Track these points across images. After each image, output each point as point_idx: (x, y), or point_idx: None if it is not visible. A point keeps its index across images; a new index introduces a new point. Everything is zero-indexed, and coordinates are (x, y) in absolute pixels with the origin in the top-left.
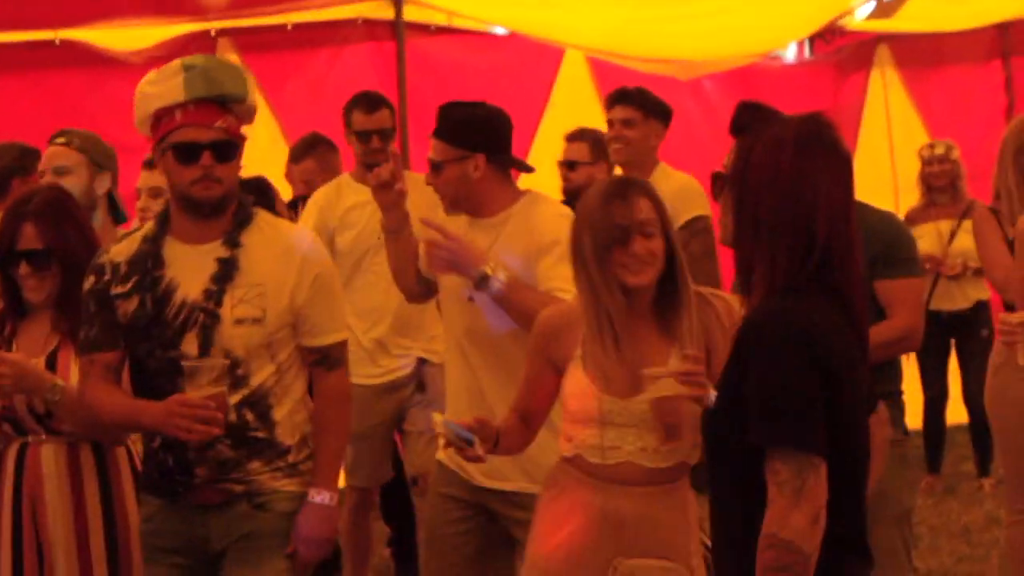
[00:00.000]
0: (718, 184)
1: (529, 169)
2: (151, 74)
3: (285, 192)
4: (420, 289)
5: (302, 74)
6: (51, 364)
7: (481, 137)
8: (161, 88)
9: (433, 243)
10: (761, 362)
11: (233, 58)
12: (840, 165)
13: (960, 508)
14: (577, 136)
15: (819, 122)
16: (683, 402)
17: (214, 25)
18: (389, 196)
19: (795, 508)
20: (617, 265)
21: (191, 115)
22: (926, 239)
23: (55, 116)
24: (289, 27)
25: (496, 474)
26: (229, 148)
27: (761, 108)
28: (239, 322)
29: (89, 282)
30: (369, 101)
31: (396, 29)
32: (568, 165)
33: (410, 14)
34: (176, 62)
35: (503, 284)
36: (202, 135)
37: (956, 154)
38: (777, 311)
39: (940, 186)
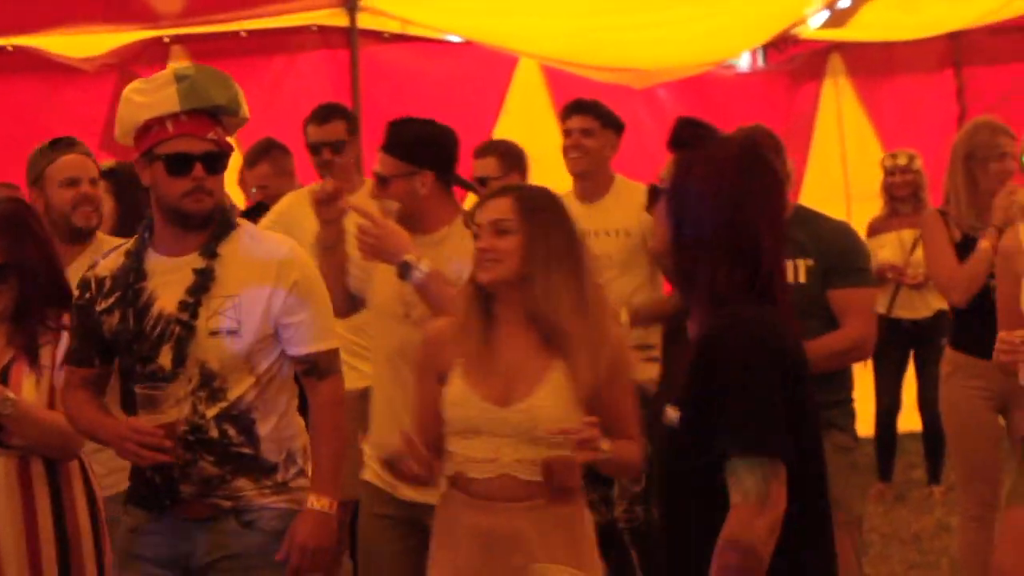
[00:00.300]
0: (654, 197)
1: (474, 189)
2: (138, 83)
3: (238, 199)
4: (346, 306)
5: (256, 81)
6: (3, 378)
7: (431, 154)
8: (152, 98)
9: (361, 228)
10: (726, 372)
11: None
12: (777, 184)
13: (910, 515)
14: (484, 151)
15: (758, 142)
16: (577, 465)
17: (167, 32)
18: (331, 211)
19: (759, 515)
20: (474, 262)
21: (184, 126)
22: (888, 248)
23: (8, 123)
24: (242, 34)
25: (425, 488)
26: (220, 160)
27: (701, 125)
28: (213, 334)
29: (75, 296)
30: (322, 113)
31: (350, 36)
32: (480, 182)
33: (364, 21)
34: (167, 71)
35: (424, 275)
36: (194, 146)
37: (918, 164)
38: (736, 321)
39: (902, 196)
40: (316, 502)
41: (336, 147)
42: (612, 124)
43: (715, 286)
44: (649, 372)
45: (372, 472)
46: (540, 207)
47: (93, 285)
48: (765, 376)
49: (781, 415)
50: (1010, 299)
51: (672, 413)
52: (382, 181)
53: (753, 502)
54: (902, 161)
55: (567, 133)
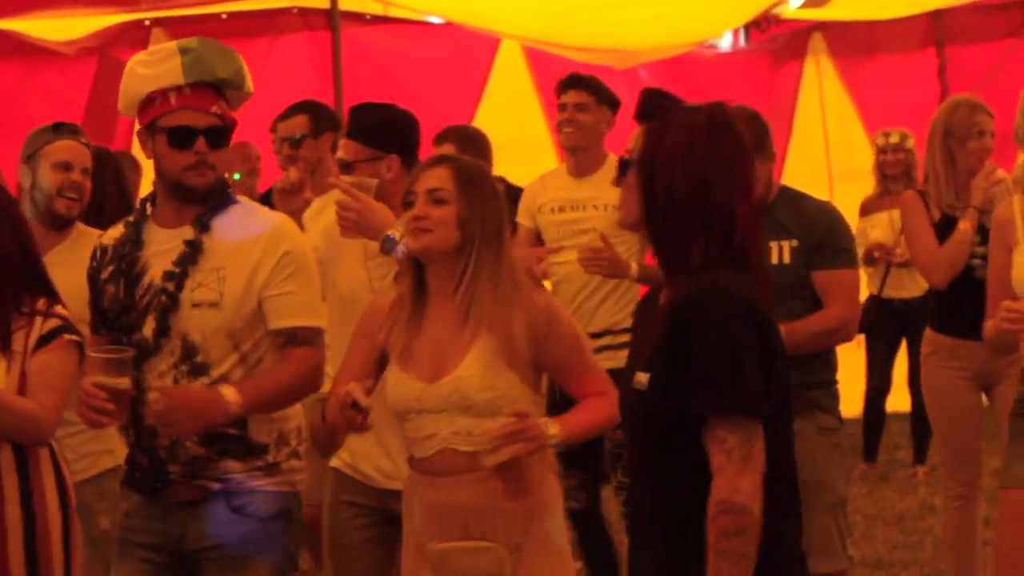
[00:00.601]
0: (623, 169)
1: None
2: (141, 55)
3: None
4: None
5: None
6: None
7: (395, 139)
8: (157, 70)
9: (342, 205)
10: (704, 334)
11: None
12: (746, 151)
13: (894, 496)
14: (443, 137)
15: (726, 110)
16: (523, 458)
17: (148, 15)
18: (294, 203)
19: (744, 474)
20: (405, 228)
21: (187, 99)
22: (880, 228)
23: None
24: (223, 16)
25: (396, 474)
26: (223, 134)
27: (666, 95)
28: (196, 306)
29: (87, 266)
30: (289, 108)
31: (331, 18)
32: None
33: (345, 3)
34: (170, 44)
35: (408, 249)
36: (198, 120)
37: (911, 142)
38: (715, 285)
39: (894, 175)
40: (228, 391)
41: (295, 143)
42: (607, 100)
43: (689, 255)
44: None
45: (339, 460)
46: (476, 180)
47: (98, 253)
48: (744, 339)
49: (758, 376)
50: (1001, 269)
51: (642, 377)
52: (346, 166)
53: (737, 461)
54: (894, 139)
55: (561, 108)
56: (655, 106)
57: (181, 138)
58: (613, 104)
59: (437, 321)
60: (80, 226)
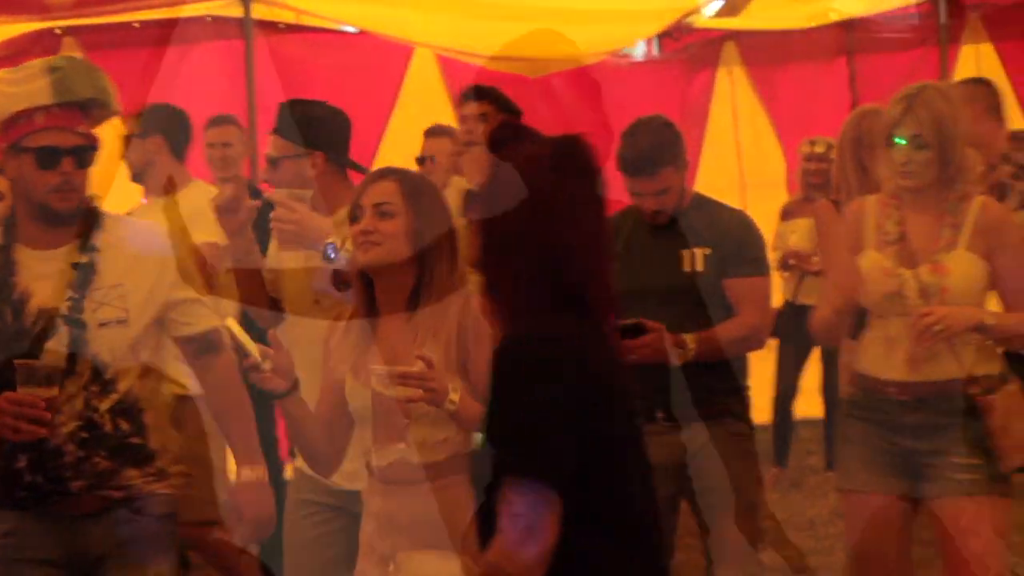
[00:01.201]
0: (468, 204)
1: (366, 172)
2: (6, 72)
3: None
4: (274, 313)
5: (149, 73)
6: None
7: (321, 135)
8: (23, 89)
9: (277, 216)
10: (509, 387)
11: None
12: (594, 184)
13: (806, 502)
14: (438, 132)
15: (574, 142)
16: (399, 403)
17: (59, 23)
18: (234, 221)
19: (524, 544)
20: (353, 243)
21: (55, 118)
22: (799, 233)
23: None
24: (136, 25)
25: (357, 476)
26: (89, 154)
27: (520, 128)
28: (103, 325)
29: None
30: None
31: (244, 27)
32: (420, 161)
33: (258, 12)
34: (38, 62)
35: (349, 256)
36: (64, 140)
37: (835, 152)
38: (530, 334)
39: (817, 183)
40: (251, 473)
41: (124, 142)
42: (507, 109)
43: (526, 292)
44: None
45: (302, 460)
46: (423, 192)
47: None
48: (548, 398)
49: (560, 441)
50: (843, 263)
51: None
52: (272, 163)
53: (521, 529)
54: (819, 149)
55: (462, 120)
56: (504, 135)
57: (47, 159)
58: (514, 114)
59: (389, 334)
60: None
